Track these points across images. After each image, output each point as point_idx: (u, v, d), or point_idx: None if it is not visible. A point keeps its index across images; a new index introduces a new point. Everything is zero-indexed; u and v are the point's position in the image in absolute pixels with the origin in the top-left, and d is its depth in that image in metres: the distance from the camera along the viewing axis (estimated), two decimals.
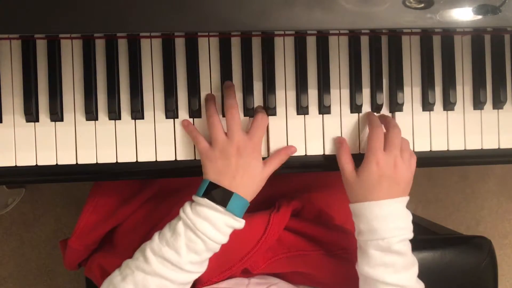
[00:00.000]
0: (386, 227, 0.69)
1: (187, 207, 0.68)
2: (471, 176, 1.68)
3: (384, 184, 0.70)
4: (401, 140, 0.73)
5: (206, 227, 0.66)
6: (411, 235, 0.71)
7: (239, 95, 0.76)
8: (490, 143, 0.81)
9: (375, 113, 0.78)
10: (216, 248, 0.69)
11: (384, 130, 0.74)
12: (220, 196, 0.68)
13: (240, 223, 0.70)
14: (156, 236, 0.68)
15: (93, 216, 0.87)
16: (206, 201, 0.67)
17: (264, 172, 0.72)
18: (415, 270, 0.72)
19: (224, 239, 0.69)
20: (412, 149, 0.79)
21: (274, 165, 0.73)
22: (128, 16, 0.64)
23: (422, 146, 0.79)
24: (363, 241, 0.71)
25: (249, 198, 0.71)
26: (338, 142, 0.76)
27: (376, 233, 0.69)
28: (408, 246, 0.71)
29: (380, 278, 0.69)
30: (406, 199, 0.72)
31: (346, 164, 0.73)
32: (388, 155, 0.71)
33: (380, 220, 0.69)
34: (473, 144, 0.80)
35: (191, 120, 0.75)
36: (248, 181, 0.70)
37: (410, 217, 0.72)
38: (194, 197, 0.69)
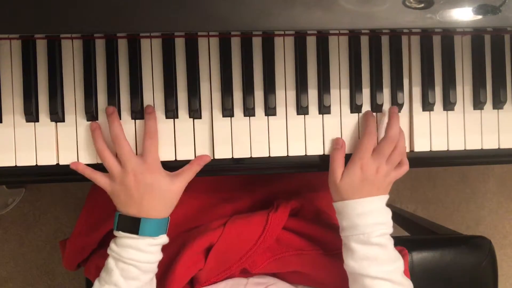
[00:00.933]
0: (366, 222, 0.72)
1: (111, 243, 0.71)
2: (471, 176, 1.68)
3: (365, 186, 0.74)
4: (394, 152, 0.75)
5: (132, 253, 0.69)
6: (390, 230, 0.74)
7: (239, 95, 0.76)
8: (490, 143, 0.81)
9: (373, 113, 0.78)
10: (153, 268, 0.71)
11: (383, 131, 0.75)
12: (129, 225, 0.70)
13: (161, 239, 0.71)
14: (96, 281, 0.71)
15: (92, 216, 0.87)
16: (120, 233, 0.70)
17: (175, 185, 0.72)
18: (399, 265, 0.74)
19: (156, 256, 0.71)
20: (412, 149, 0.79)
21: (186, 176, 0.73)
22: (128, 16, 0.64)
23: (422, 146, 0.79)
24: (346, 236, 0.74)
25: (164, 215, 0.72)
26: (338, 143, 0.77)
27: (357, 228, 0.72)
28: (389, 241, 0.74)
29: (364, 271, 0.72)
30: (385, 197, 0.76)
31: (338, 168, 0.75)
32: (373, 160, 0.74)
33: (361, 216, 0.73)
34: (473, 144, 0.80)
35: (191, 120, 0.75)
36: (157, 202, 0.71)
37: (390, 214, 0.75)
38: (114, 232, 0.71)
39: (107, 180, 0.71)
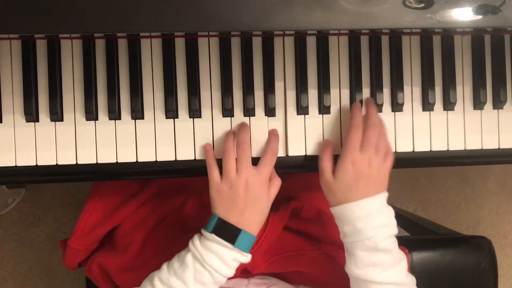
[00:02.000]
0: (370, 226, 0.69)
1: (196, 239, 0.69)
2: (471, 176, 1.68)
3: (360, 183, 0.70)
4: (379, 138, 0.73)
5: (214, 260, 0.68)
6: (395, 231, 0.72)
7: (239, 95, 0.76)
8: (490, 143, 0.81)
9: (361, 106, 0.77)
10: (222, 281, 0.70)
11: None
12: (228, 233, 0.69)
13: (247, 258, 0.70)
14: (164, 266, 0.70)
15: (93, 216, 0.87)
16: (214, 237, 0.68)
17: (270, 203, 0.72)
18: (403, 265, 0.72)
19: (231, 272, 0.70)
20: (412, 149, 0.79)
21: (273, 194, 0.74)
22: (128, 16, 0.64)
23: (422, 146, 0.79)
24: (349, 243, 0.71)
25: (256, 232, 0.71)
26: (325, 144, 0.76)
27: (361, 233, 0.69)
28: (394, 243, 0.71)
29: (370, 278, 0.69)
30: (385, 195, 0.72)
31: (327, 166, 0.73)
32: (363, 154, 0.71)
33: (363, 219, 0.69)
34: (473, 144, 0.80)
35: (191, 120, 0.75)
36: (256, 216, 0.71)
37: (393, 213, 0.72)
38: (203, 231, 0.70)
39: (219, 178, 0.71)
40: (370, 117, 0.74)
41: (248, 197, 0.69)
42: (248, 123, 0.76)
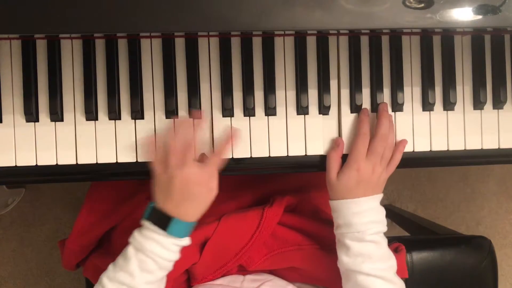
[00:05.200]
0: (361, 221, 0.74)
1: (135, 232, 0.70)
2: (471, 176, 1.68)
3: (361, 186, 0.75)
4: (386, 148, 0.75)
5: (154, 247, 0.68)
6: (385, 228, 0.76)
7: (239, 95, 0.76)
8: (490, 143, 0.81)
9: (368, 113, 0.78)
10: (169, 266, 0.71)
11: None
12: (160, 220, 0.69)
13: (185, 241, 0.71)
14: (110, 266, 0.71)
15: (90, 216, 0.87)
16: (148, 224, 0.69)
17: (212, 196, 0.71)
18: (392, 264, 0.75)
19: (175, 256, 0.70)
20: (412, 149, 0.79)
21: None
22: (128, 16, 0.64)
23: (422, 146, 0.79)
24: (340, 233, 0.75)
25: (195, 220, 0.71)
26: (335, 143, 0.77)
27: (352, 226, 0.74)
28: (383, 239, 0.75)
29: (358, 268, 0.73)
30: (380, 196, 0.77)
31: (333, 167, 0.76)
32: (368, 161, 0.75)
33: (356, 215, 0.74)
34: (473, 144, 0.80)
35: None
36: (194, 210, 0.71)
37: (384, 212, 0.76)
38: (142, 221, 0.70)
39: (161, 166, 0.70)
40: (381, 126, 0.76)
41: (184, 192, 0.69)
42: (248, 123, 0.76)
